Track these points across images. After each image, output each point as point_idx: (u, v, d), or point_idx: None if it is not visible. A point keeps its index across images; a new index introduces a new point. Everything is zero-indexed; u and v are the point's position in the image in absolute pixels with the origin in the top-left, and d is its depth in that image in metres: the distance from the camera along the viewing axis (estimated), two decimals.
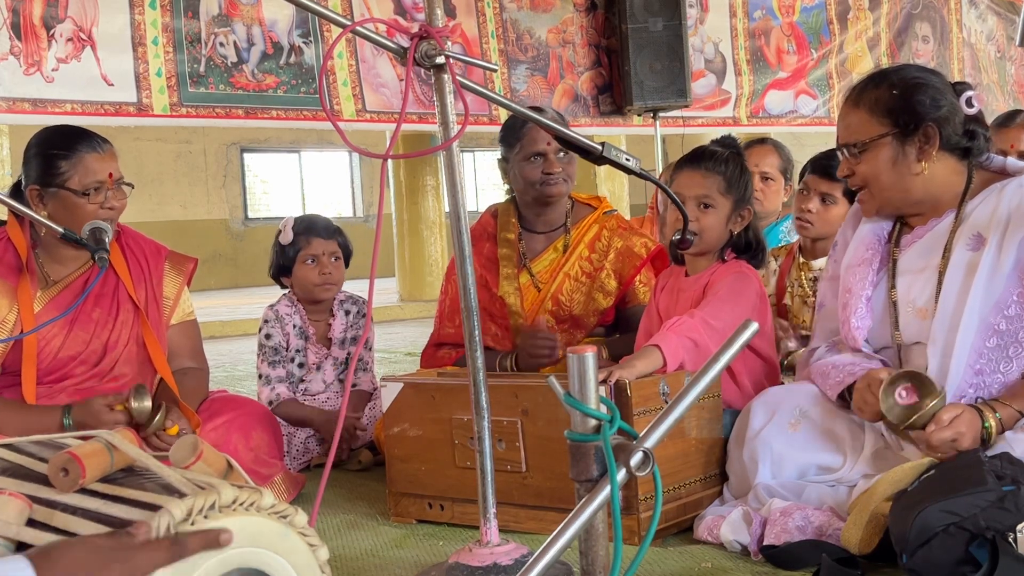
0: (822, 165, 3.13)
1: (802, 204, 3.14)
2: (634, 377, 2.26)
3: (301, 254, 3.46)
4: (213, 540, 1.19)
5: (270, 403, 3.34)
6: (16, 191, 2.69)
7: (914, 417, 2.00)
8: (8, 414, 2.52)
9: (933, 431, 1.97)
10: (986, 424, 2.00)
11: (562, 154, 3.00)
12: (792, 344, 3.04)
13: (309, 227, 3.50)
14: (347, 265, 3.55)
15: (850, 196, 3.06)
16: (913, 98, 2.18)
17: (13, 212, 2.65)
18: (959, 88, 2.24)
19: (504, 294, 3.07)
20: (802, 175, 3.25)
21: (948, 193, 2.23)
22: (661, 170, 5.41)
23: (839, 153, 2.31)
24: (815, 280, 3.13)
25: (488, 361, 2.89)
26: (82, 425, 2.45)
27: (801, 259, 3.23)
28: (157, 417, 2.52)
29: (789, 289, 3.25)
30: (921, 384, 2.03)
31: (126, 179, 2.69)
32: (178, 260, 2.89)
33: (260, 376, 3.45)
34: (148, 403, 2.50)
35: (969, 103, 2.21)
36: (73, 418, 2.49)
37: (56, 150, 2.60)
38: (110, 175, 2.61)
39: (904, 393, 2.03)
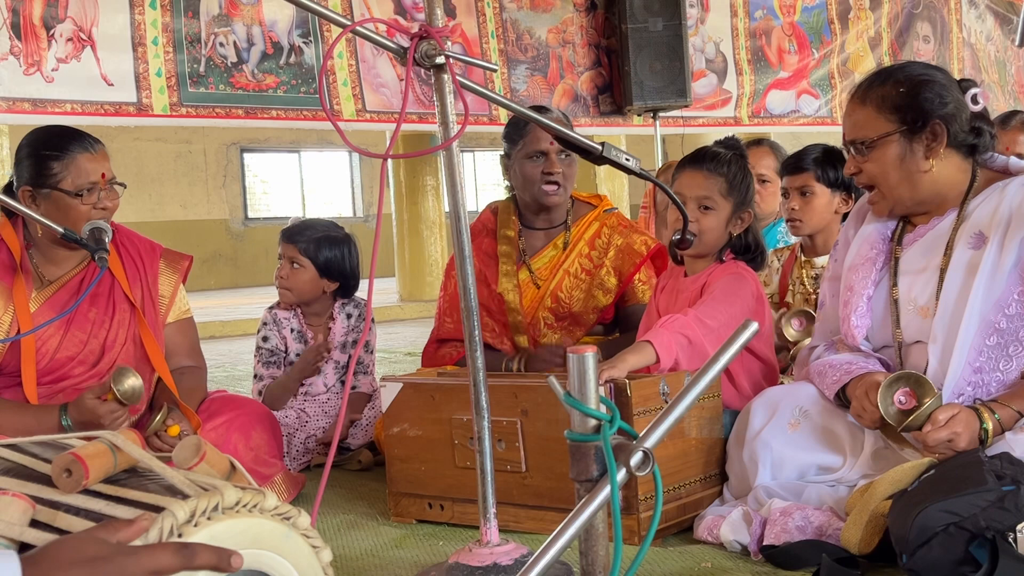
0: (788, 164, 3.25)
1: (786, 206, 3.20)
2: (624, 373, 2.26)
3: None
4: (225, 559, 1.10)
5: (259, 394, 3.37)
6: (7, 192, 2.67)
7: (910, 418, 2.00)
8: (6, 415, 2.51)
9: (929, 431, 1.98)
10: (984, 425, 2.00)
11: (563, 155, 3.00)
12: (795, 325, 3.01)
13: (288, 229, 3.51)
14: (334, 279, 3.45)
15: (828, 184, 3.11)
16: (920, 95, 2.18)
17: (6, 212, 2.65)
18: (964, 85, 2.24)
19: (503, 291, 3.07)
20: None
21: (954, 191, 2.23)
22: (656, 170, 5.41)
23: (845, 151, 2.30)
24: (817, 278, 3.14)
25: (493, 363, 2.91)
26: (81, 423, 2.44)
27: (803, 257, 3.24)
28: (158, 417, 2.52)
29: (791, 287, 3.26)
30: (919, 386, 2.03)
31: (121, 179, 2.68)
32: (173, 258, 2.88)
33: (255, 376, 3.47)
34: (133, 380, 2.38)
35: (975, 100, 2.22)
36: (70, 417, 2.48)
37: (48, 151, 2.58)
38: (103, 175, 2.60)
39: (903, 398, 2.03)
